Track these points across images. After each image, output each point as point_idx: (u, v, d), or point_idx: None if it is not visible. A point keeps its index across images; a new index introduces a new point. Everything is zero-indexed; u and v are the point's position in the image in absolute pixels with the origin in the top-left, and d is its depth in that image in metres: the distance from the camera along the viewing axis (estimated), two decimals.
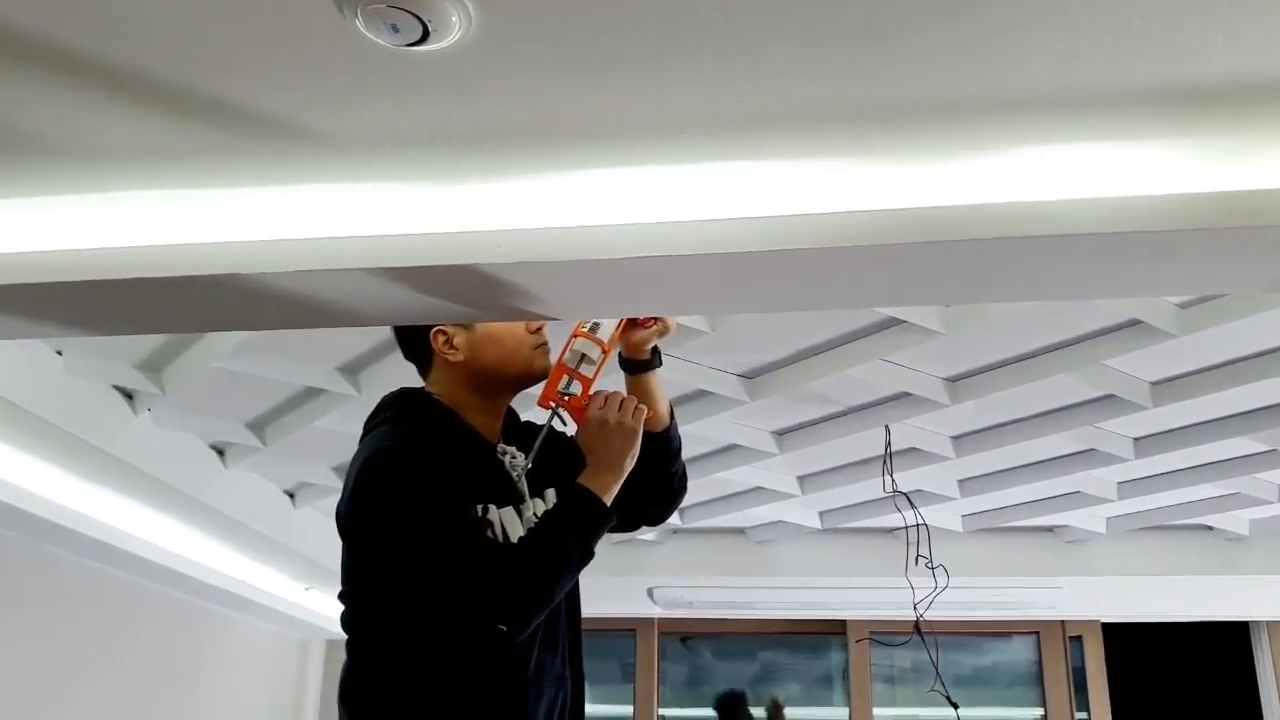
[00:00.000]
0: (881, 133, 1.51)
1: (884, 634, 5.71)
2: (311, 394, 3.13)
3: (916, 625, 2.92)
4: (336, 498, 4.19)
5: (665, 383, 1.96)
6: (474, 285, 1.73)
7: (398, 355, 2.88)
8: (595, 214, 1.65)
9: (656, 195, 1.63)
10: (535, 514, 1.80)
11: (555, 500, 1.87)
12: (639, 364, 1.92)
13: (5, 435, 2.94)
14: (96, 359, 2.88)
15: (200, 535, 4.08)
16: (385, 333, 2.81)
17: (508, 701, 1.70)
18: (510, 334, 1.86)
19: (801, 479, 3.97)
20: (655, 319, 1.88)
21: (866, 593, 5.04)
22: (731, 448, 3.56)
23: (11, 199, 1.69)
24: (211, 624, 4.89)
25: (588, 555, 1.73)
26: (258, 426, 3.41)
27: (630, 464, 1.79)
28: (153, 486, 3.41)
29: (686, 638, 6.30)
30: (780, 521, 4.50)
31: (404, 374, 2.88)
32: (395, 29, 1.28)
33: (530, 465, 1.82)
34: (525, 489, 1.81)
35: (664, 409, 1.93)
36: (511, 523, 1.75)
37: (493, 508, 1.73)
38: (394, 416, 1.84)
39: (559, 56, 1.37)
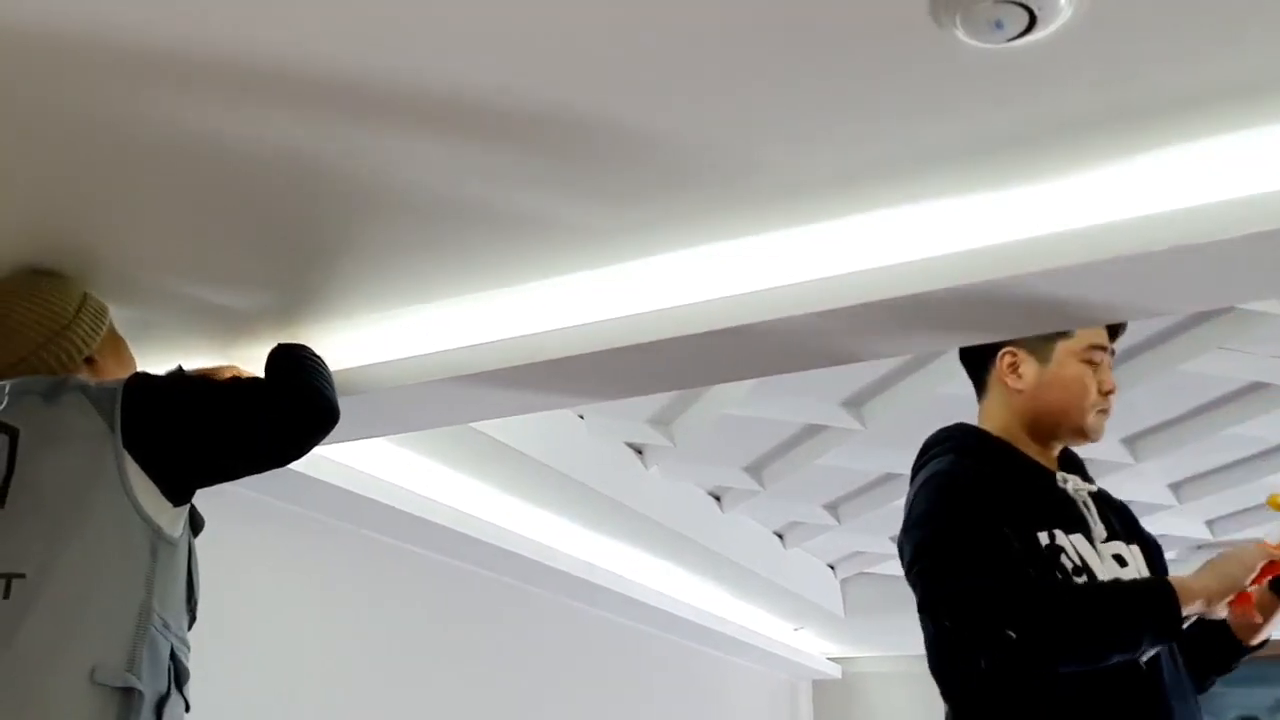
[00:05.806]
0: None
1: None
2: (812, 431, 3.12)
3: None
4: (824, 537, 4.19)
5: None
6: (1035, 296, 1.62)
7: (902, 385, 2.83)
8: (1197, 194, 1.47)
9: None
10: (1116, 554, 1.70)
11: (1140, 556, 1.75)
12: None
13: (538, 496, 3.17)
14: (614, 419, 3.02)
15: (700, 580, 4.22)
16: (889, 364, 2.75)
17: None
18: (1082, 384, 1.76)
19: None
20: None
21: None
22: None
23: (582, 272, 1.79)
24: (706, 667, 5.03)
25: (1132, 646, 1.56)
26: (755, 469, 3.45)
27: (1219, 601, 1.57)
28: (662, 536, 3.56)
29: None
30: None
31: (908, 405, 2.80)
32: (999, 25, 1.19)
33: (1095, 488, 1.77)
34: (1093, 517, 1.72)
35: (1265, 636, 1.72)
36: (1085, 550, 1.67)
37: (1059, 533, 1.66)
38: (949, 449, 1.79)
39: (1168, 22, 1.22)
